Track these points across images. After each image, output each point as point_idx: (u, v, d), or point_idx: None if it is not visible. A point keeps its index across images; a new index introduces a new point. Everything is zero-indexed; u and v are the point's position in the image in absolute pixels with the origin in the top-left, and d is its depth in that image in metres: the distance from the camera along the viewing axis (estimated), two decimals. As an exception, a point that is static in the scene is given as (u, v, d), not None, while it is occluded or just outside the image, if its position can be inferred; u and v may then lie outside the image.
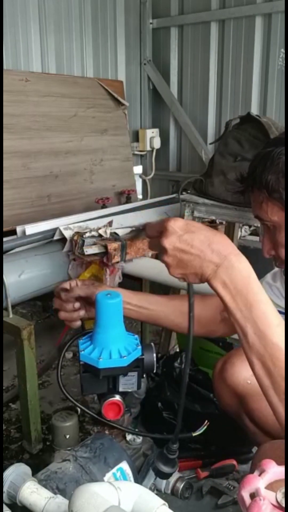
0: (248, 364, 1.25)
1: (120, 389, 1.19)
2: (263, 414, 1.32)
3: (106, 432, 1.32)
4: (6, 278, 1.84)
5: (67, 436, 1.56)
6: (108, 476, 1.19)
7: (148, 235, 0.94)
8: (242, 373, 1.40)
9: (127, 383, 1.18)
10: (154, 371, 1.24)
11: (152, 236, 0.91)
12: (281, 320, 0.83)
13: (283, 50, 2.86)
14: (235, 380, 1.41)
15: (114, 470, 1.21)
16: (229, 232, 2.69)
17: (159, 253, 0.89)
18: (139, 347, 1.15)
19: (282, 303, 1.35)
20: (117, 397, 1.19)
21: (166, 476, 1.15)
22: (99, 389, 1.21)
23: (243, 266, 0.84)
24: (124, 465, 1.23)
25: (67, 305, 1.24)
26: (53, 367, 2.40)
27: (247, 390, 1.38)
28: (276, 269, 1.41)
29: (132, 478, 1.23)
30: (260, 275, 1.48)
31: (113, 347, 1.13)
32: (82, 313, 1.25)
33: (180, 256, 0.86)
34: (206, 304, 1.34)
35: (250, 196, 1.16)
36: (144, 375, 1.21)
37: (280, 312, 1.39)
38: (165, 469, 1.12)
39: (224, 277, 0.83)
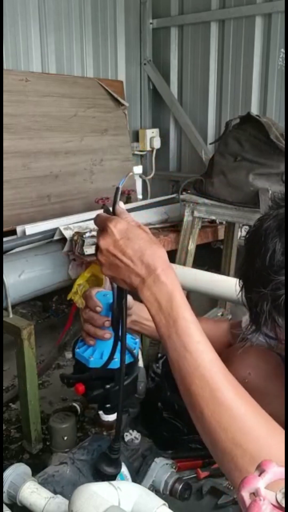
0: (245, 362, 1.24)
1: None
2: None
3: (104, 433, 1.32)
4: (6, 278, 1.84)
5: (65, 438, 1.56)
6: (106, 478, 1.19)
7: (96, 224, 0.92)
8: (239, 372, 1.40)
9: None
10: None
11: (97, 227, 0.90)
12: (202, 337, 0.82)
13: (283, 50, 2.86)
14: None
15: (112, 472, 1.20)
16: (229, 232, 2.68)
17: (95, 249, 0.89)
18: (138, 339, 1.15)
19: None
20: None
21: (109, 478, 1.09)
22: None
23: (169, 281, 0.83)
24: (122, 467, 1.22)
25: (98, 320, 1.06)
26: (53, 367, 2.40)
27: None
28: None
29: (130, 480, 1.23)
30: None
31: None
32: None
33: (112, 259, 0.86)
34: (218, 327, 1.34)
35: None
36: (144, 376, 1.21)
37: None
38: (108, 470, 1.08)
39: (150, 291, 0.83)
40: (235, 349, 1.39)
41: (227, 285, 1.69)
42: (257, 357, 1.31)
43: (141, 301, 0.88)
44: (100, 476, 1.11)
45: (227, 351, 1.49)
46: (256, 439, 0.75)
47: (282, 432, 0.77)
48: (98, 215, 0.91)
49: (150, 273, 0.83)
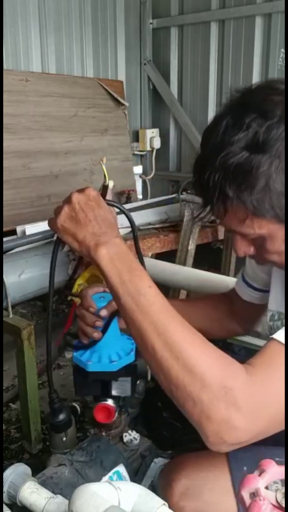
0: None
1: (113, 393, 1.18)
2: None
3: (103, 434, 1.32)
4: (6, 278, 1.84)
5: (64, 439, 1.55)
6: (105, 479, 1.18)
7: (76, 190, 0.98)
8: None
9: (120, 388, 1.16)
10: (149, 378, 1.22)
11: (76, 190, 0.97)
12: (153, 284, 0.87)
13: (283, 50, 2.86)
14: None
15: (110, 473, 1.20)
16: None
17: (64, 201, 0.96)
18: (133, 352, 1.13)
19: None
20: (109, 401, 1.18)
21: (64, 426, 1.21)
22: (91, 391, 1.20)
23: (124, 246, 0.90)
24: (121, 468, 1.22)
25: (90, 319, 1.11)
26: (53, 367, 2.40)
27: None
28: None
29: (128, 481, 1.22)
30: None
31: (104, 351, 1.11)
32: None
33: (77, 212, 0.93)
34: (218, 307, 1.37)
35: (212, 209, 0.94)
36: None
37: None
38: (58, 420, 1.18)
39: (107, 249, 0.88)
40: None
41: (226, 285, 1.69)
42: None
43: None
44: (57, 429, 1.21)
45: None
46: (206, 364, 0.79)
47: (233, 362, 0.80)
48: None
49: (108, 235, 0.90)
